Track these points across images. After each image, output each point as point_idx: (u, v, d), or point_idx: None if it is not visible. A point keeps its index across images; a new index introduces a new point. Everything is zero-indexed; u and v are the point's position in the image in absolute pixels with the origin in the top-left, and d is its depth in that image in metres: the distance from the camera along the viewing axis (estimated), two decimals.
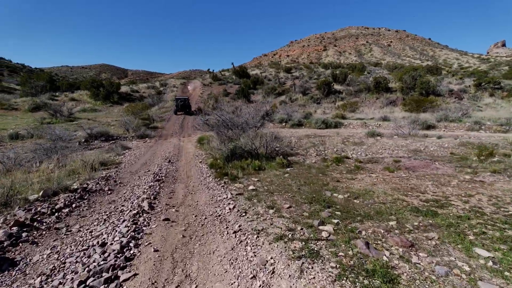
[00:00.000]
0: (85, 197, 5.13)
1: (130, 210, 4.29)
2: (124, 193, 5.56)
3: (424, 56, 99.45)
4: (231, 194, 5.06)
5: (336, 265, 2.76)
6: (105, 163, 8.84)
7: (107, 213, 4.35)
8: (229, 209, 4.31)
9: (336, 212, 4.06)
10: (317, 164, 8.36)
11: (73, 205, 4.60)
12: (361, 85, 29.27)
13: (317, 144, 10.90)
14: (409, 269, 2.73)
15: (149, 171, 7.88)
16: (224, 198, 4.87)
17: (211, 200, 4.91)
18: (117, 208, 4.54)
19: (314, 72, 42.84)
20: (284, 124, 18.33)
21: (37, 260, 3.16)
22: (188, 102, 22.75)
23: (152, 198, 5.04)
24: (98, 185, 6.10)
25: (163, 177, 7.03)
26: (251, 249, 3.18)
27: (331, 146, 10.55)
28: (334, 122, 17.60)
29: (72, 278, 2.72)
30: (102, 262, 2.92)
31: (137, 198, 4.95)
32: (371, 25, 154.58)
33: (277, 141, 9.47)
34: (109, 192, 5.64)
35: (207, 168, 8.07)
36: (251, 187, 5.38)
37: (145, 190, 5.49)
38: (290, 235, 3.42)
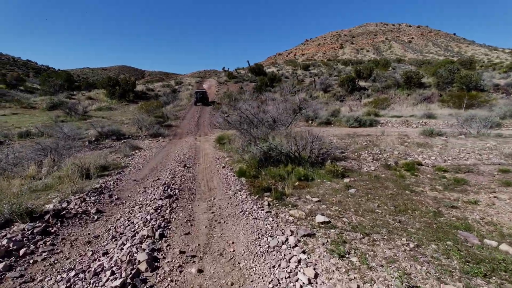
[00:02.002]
0: (53, 230, 3.16)
1: (112, 274, 2.21)
2: (117, 220, 3.57)
3: (449, 52, 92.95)
4: (291, 233, 2.88)
5: None
6: (107, 167, 7.09)
7: (72, 276, 2.25)
8: (308, 281, 2.11)
9: None
10: (382, 173, 6.08)
11: (21, 251, 2.61)
12: (389, 80, 26.49)
13: (369, 146, 8.57)
14: None
15: (158, 179, 5.96)
16: (281, 243, 2.68)
17: (257, 243, 2.77)
18: (95, 261, 2.48)
19: (334, 69, 39.90)
20: (310, 122, 16.19)
21: None
22: (206, 94, 24.19)
23: (157, 236, 2.98)
24: (84, 203, 4.17)
25: (177, 191, 5.05)
26: None
27: (388, 148, 8.19)
28: (368, 120, 15.16)
29: None
30: None
31: (132, 237, 2.89)
32: (391, 21, 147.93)
33: (319, 141, 7.30)
34: (95, 217, 3.67)
35: (234, 176, 6.02)
36: (319, 218, 3.18)
37: (149, 218, 3.46)
38: None
